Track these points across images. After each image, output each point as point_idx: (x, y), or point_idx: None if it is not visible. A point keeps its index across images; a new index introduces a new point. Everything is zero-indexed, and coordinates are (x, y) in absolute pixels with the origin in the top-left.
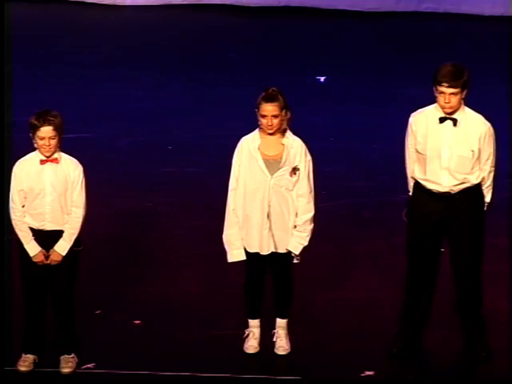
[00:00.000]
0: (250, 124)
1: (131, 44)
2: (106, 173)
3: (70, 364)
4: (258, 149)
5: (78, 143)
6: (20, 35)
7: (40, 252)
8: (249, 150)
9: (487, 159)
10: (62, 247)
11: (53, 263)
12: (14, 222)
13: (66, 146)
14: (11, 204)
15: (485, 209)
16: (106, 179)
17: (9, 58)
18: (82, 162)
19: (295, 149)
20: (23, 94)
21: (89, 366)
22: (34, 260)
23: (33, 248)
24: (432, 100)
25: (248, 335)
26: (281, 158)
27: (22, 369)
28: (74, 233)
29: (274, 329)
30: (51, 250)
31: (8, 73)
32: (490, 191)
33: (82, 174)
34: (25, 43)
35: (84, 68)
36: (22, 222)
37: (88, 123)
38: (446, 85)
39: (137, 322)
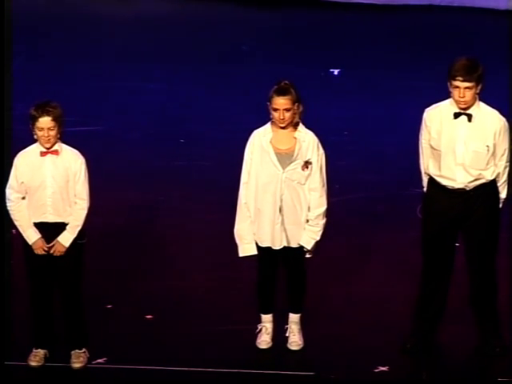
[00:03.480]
0: (263, 117)
1: (143, 36)
2: (117, 166)
3: (81, 359)
4: (270, 142)
5: (91, 136)
6: (31, 27)
7: (39, 239)
8: (261, 144)
9: (502, 154)
10: (66, 238)
11: (56, 254)
12: (10, 209)
13: (78, 138)
14: (7, 191)
15: (500, 205)
16: (117, 172)
17: (10, 52)
18: (94, 155)
19: (307, 142)
20: (34, 86)
21: (100, 360)
22: (34, 248)
23: (32, 235)
24: (446, 93)
25: (260, 330)
26: (293, 151)
27: (33, 364)
28: (78, 225)
29: (287, 324)
30: (55, 241)
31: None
32: (506, 187)
33: (83, 166)
34: (35, 35)
35: (96, 61)
36: (20, 205)
37: (100, 116)
38: (460, 79)
39: (148, 316)
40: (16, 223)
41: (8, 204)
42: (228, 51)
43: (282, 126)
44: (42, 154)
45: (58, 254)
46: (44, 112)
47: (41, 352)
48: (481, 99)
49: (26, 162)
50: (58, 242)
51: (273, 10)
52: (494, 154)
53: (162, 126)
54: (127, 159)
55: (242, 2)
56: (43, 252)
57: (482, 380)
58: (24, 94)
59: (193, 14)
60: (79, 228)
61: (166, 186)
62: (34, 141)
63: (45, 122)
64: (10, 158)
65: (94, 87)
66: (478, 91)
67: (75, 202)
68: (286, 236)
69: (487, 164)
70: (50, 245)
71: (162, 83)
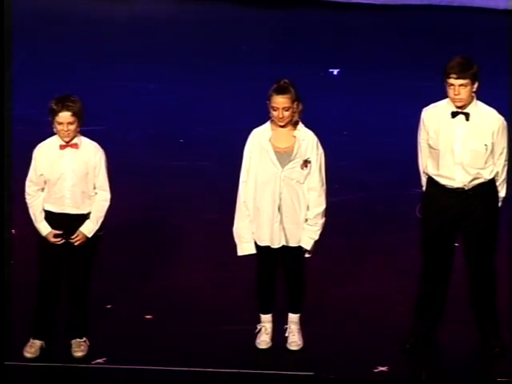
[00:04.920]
0: (263, 117)
1: (143, 37)
2: (117, 166)
3: (82, 348)
4: (269, 141)
5: (90, 136)
6: (29, 27)
7: (51, 232)
8: (260, 143)
9: (501, 153)
10: (89, 228)
11: (77, 243)
12: (27, 201)
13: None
14: (27, 183)
15: (499, 204)
16: (117, 172)
17: (10, 52)
18: None
19: (307, 141)
20: (34, 86)
21: (99, 360)
22: (49, 239)
23: (43, 227)
24: (445, 93)
25: (260, 330)
26: (292, 150)
27: (28, 355)
28: (101, 216)
29: (287, 324)
30: (78, 231)
31: (12, 67)
32: (505, 186)
33: (103, 158)
34: (35, 36)
35: (96, 61)
36: (35, 200)
37: (100, 116)
38: (454, 76)
39: (148, 316)
40: (31, 216)
41: (26, 197)
42: (228, 51)
43: (281, 124)
44: (62, 147)
45: (79, 243)
46: (64, 107)
47: (37, 343)
48: (481, 99)
49: (46, 155)
50: (80, 232)
51: (272, 10)
52: (492, 152)
53: (161, 126)
54: (126, 159)
55: (242, 2)
56: (59, 241)
57: (482, 380)
58: (24, 94)
59: (192, 14)
60: (102, 219)
61: (166, 185)
62: (52, 134)
63: (64, 116)
64: (9, 158)
65: (94, 87)
66: (474, 89)
67: (96, 193)
68: (285, 235)
69: (486, 163)
70: (74, 236)
71: (161, 83)
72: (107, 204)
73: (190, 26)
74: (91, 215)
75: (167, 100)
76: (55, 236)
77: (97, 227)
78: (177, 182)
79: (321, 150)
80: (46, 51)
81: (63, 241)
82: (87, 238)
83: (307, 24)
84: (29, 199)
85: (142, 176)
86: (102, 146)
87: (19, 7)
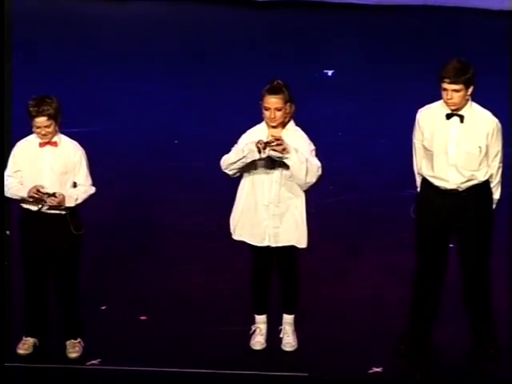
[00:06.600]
0: (257, 117)
1: (137, 38)
2: (111, 167)
3: (77, 349)
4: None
5: (85, 137)
6: (25, 29)
7: (34, 187)
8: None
9: (495, 155)
10: (68, 199)
11: (49, 202)
12: (6, 190)
13: (72, 139)
14: (5, 178)
15: (493, 206)
16: (111, 173)
17: (10, 52)
18: (88, 156)
19: (296, 140)
20: (29, 87)
21: (94, 362)
22: (32, 193)
23: (23, 190)
24: (440, 95)
25: (254, 331)
26: None
27: (21, 352)
28: (81, 197)
29: (281, 325)
30: (58, 193)
31: (10, 67)
32: (499, 188)
33: (83, 157)
34: (30, 37)
35: (91, 62)
36: (11, 179)
37: (94, 117)
38: (447, 81)
39: (142, 317)
40: (15, 197)
41: (5, 188)
42: (222, 52)
43: (273, 125)
44: (41, 144)
45: (52, 203)
46: (39, 112)
47: (30, 340)
48: (480, 100)
49: (25, 152)
50: (62, 193)
51: (267, 12)
52: (486, 154)
53: (155, 127)
54: (121, 160)
55: (236, 4)
56: (41, 194)
57: (476, 381)
58: (23, 95)
59: (188, 16)
60: (79, 201)
61: (161, 186)
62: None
63: (41, 121)
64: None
65: (90, 88)
66: (468, 93)
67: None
68: (278, 234)
69: (480, 165)
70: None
71: (156, 85)
72: (91, 192)
73: (185, 28)
74: (73, 191)
75: (162, 101)
76: (39, 189)
77: (72, 203)
78: (172, 183)
79: (312, 146)
80: (45, 53)
81: (47, 195)
82: (62, 201)
83: (301, 25)
84: (6, 185)
85: (137, 177)
86: (99, 147)
87: (18, 9)
